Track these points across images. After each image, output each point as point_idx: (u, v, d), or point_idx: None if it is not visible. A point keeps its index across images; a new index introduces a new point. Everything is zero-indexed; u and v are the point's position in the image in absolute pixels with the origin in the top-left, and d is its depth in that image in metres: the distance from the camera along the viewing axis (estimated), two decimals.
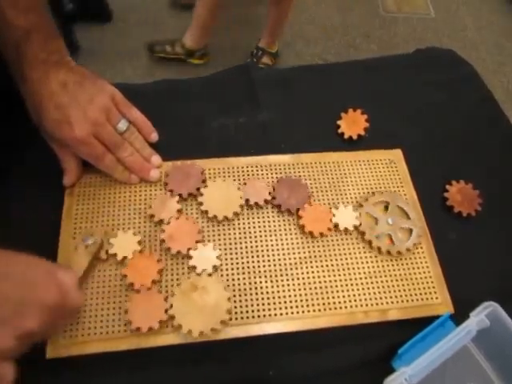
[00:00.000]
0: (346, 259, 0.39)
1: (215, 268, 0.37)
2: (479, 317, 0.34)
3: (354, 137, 0.47)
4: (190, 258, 0.37)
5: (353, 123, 0.48)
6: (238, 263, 0.38)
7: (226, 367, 0.35)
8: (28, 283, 0.27)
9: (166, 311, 0.34)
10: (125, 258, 0.37)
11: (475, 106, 0.53)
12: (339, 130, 0.48)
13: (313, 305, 0.36)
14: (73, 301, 0.29)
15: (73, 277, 0.30)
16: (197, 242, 0.38)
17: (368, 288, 0.38)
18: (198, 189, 0.41)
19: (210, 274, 0.36)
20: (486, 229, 0.43)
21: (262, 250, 0.39)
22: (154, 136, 0.43)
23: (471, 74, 0.57)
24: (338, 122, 0.48)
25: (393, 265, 0.39)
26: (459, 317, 0.36)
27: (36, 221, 0.39)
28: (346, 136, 0.47)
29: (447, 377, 0.35)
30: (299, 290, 0.37)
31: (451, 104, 0.52)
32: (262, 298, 0.36)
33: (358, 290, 0.37)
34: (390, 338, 0.36)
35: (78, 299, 0.30)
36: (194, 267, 0.37)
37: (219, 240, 0.39)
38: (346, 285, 0.38)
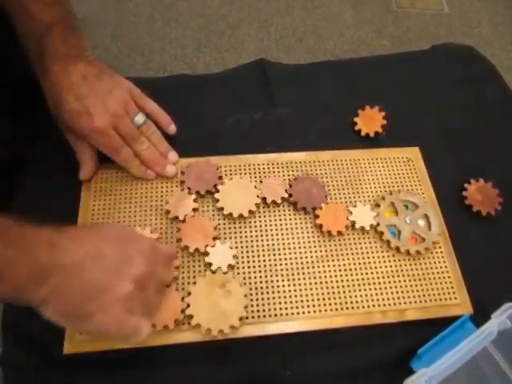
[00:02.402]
0: (363, 258, 0.38)
1: (231, 266, 0.36)
2: (501, 318, 0.33)
3: (371, 134, 0.46)
4: (206, 255, 0.36)
5: (370, 120, 0.46)
6: (254, 261, 0.37)
7: (242, 367, 0.34)
8: (123, 239, 0.31)
9: (183, 311, 0.34)
10: None
11: (494, 104, 0.51)
12: (356, 127, 0.46)
13: (330, 304, 0.36)
14: (163, 249, 0.34)
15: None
16: (213, 239, 0.37)
17: (385, 288, 0.37)
18: (215, 186, 0.40)
19: (225, 272, 0.36)
20: (507, 228, 0.42)
21: (279, 249, 0.38)
22: (173, 128, 0.43)
23: (490, 71, 0.55)
24: (355, 119, 0.47)
25: (410, 264, 0.38)
26: (478, 318, 0.35)
27: (53, 216, 0.38)
28: (362, 133, 0.46)
29: (467, 378, 0.34)
30: (316, 288, 0.36)
31: (469, 101, 0.51)
32: (279, 297, 0.36)
33: (375, 289, 0.37)
34: (407, 339, 0.35)
35: (167, 248, 0.35)
36: (211, 265, 0.36)
37: (235, 238, 0.38)
38: (364, 284, 0.37)
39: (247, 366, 0.34)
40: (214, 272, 0.36)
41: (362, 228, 0.39)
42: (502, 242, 0.41)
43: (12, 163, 0.41)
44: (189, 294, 0.34)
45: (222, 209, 0.39)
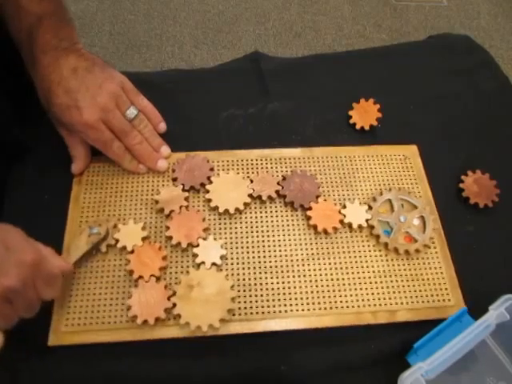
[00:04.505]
0: (355, 257, 0.36)
1: (220, 262, 0.34)
2: (499, 310, 0.31)
3: (366, 127, 0.43)
4: (195, 250, 0.35)
5: (365, 113, 0.44)
6: (243, 258, 0.35)
7: (236, 361, 0.32)
8: (4, 246, 0.26)
9: (166, 310, 0.32)
10: (129, 248, 0.34)
11: (492, 94, 0.48)
12: (351, 121, 0.44)
13: (319, 303, 0.33)
14: (52, 264, 0.28)
15: (49, 248, 0.30)
16: (202, 234, 0.35)
17: (377, 287, 0.34)
18: (207, 181, 0.38)
19: (213, 267, 0.34)
20: (504, 220, 0.39)
21: (269, 246, 0.36)
22: (162, 126, 0.41)
23: (488, 61, 0.51)
24: (350, 113, 0.44)
25: (404, 264, 0.36)
26: (476, 311, 0.32)
27: (44, 208, 0.37)
28: (357, 126, 0.43)
29: (465, 372, 0.32)
30: (305, 287, 0.34)
31: (467, 92, 0.47)
32: (267, 295, 0.34)
33: (366, 289, 0.34)
34: (404, 333, 0.33)
35: (59, 265, 0.29)
36: (199, 260, 0.34)
37: (225, 234, 0.36)
38: (354, 283, 0.34)
39: (241, 361, 0.32)
40: (202, 267, 0.34)
41: (355, 226, 0.36)
42: (500, 234, 0.39)
43: (4, 158, 0.40)
44: (175, 292, 0.32)
45: (212, 204, 0.37)
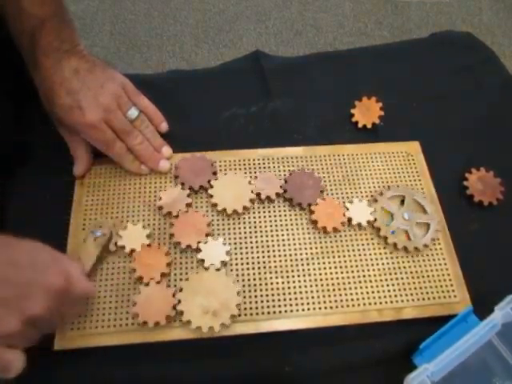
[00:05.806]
0: (360, 255, 0.36)
1: (224, 263, 0.34)
2: (504, 310, 0.31)
3: (369, 125, 0.43)
4: (199, 251, 0.34)
5: (367, 111, 0.44)
6: (247, 258, 0.35)
7: (240, 362, 0.32)
8: (33, 268, 0.26)
9: (174, 307, 0.32)
10: (133, 250, 0.34)
11: (495, 92, 0.47)
12: (353, 119, 0.44)
13: (324, 302, 0.33)
14: (78, 289, 0.28)
15: (79, 266, 0.29)
16: (206, 235, 0.35)
17: (382, 285, 0.34)
18: (209, 181, 0.38)
19: (218, 269, 0.34)
20: (509, 218, 0.39)
21: (273, 245, 0.36)
22: (164, 126, 0.41)
23: (491, 58, 0.51)
24: (352, 111, 0.44)
25: (408, 261, 0.36)
26: (482, 311, 0.32)
27: (46, 212, 0.37)
28: (360, 125, 0.43)
29: (472, 373, 0.32)
30: (310, 286, 0.34)
31: (469, 89, 0.47)
32: (272, 294, 0.34)
33: (371, 287, 0.34)
34: (409, 333, 0.33)
35: (85, 288, 0.29)
36: (203, 261, 0.34)
37: (229, 234, 0.36)
38: (360, 282, 0.34)
39: (245, 361, 0.32)
40: (206, 269, 0.34)
41: (359, 224, 0.36)
42: (506, 232, 0.38)
43: (7, 158, 0.40)
44: (180, 289, 0.33)
45: (215, 204, 0.36)
